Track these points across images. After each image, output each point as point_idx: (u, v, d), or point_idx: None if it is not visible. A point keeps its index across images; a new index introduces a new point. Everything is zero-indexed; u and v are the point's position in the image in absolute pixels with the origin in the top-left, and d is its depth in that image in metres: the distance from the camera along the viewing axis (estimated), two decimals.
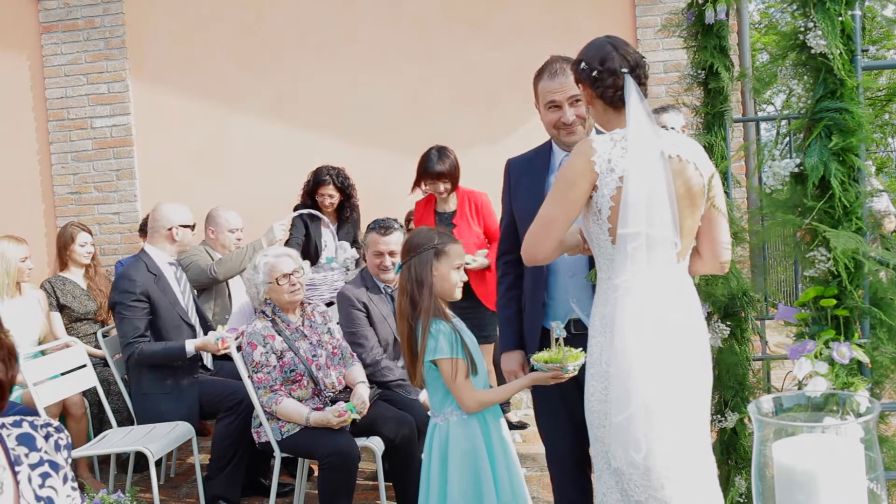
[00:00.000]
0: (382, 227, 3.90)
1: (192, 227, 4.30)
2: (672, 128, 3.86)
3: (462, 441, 2.55)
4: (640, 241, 2.06)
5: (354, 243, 5.18)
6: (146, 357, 3.95)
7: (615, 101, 2.16)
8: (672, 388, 2.08)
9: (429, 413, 2.74)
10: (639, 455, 2.08)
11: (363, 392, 3.62)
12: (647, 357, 2.06)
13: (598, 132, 2.62)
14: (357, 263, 4.99)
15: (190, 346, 3.93)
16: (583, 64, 2.20)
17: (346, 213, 5.14)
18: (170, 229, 4.19)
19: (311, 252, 5.07)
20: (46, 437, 1.43)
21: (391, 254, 3.88)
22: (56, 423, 1.50)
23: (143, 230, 5.39)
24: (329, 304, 4.37)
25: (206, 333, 4.20)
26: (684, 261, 2.21)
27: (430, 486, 2.59)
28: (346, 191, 5.08)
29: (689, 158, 2.14)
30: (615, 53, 2.15)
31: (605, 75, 2.15)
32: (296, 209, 5.24)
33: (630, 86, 2.13)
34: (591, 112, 2.29)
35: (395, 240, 3.90)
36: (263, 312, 3.68)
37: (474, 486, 2.51)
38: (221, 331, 3.93)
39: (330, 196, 5.04)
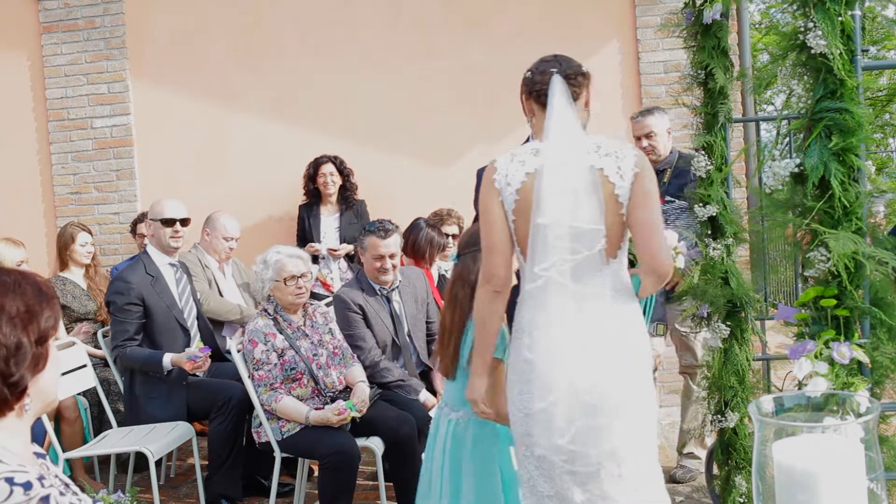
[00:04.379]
0: (381, 230, 3.88)
1: (176, 223, 4.16)
2: (652, 133, 3.93)
3: (490, 441, 2.56)
4: (561, 231, 2.09)
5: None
6: (128, 362, 3.94)
7: (542, 98, 2.23)
8: (594, 379, 2.10)
9: (440, 406, 2.72)
10: (563, 440, 2.12)
11: (363, 391, 3.62)
12: (567, 348, 2.09)
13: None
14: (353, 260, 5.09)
15: (167, 360, 3.87)
16: (527, 73, 2.31)
17: (348, 196, 5.31)
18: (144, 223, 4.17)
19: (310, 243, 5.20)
20: None
21: (391, 256, 3.88)
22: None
23: (134, 231, 5.39)
24: (329, 304, 4.37)
25: (205, 338, 4.20)
26: (614, 262, 2.18)
27: (442, 482, 2.58)
28: (344, 172, 5.29)
29: (600, 165, 2.13)
30: (553, 61, 2.26)
31: (536, 75, 2.25)
32: (300, 207, 5.32)
33: (556, 83, 2.19)
34: (532, 125, 2.34)
35: (395, 242, 3.91)
36: (265, 310, 3.68)
37: (493, 487, 2.51)
38: (194, 349, 3.86)
39: (331, 174, 5.24)
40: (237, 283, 4.89)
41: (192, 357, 3.79)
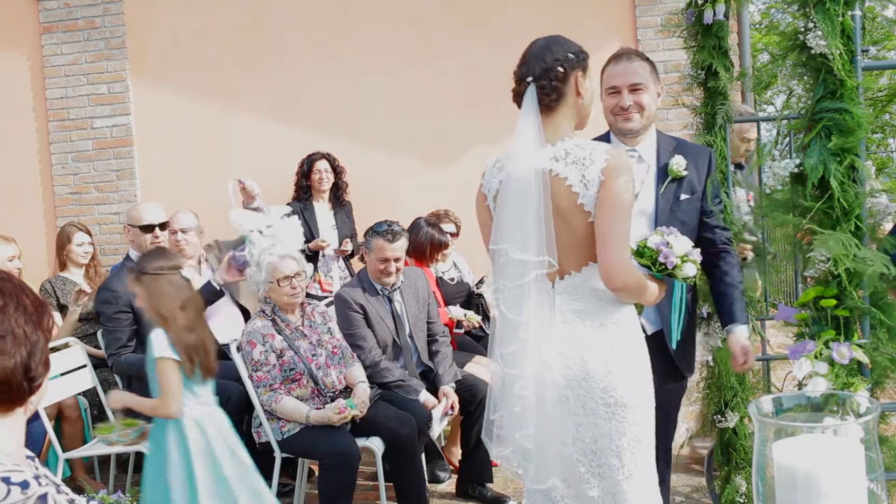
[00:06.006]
0: (390, 233, 3.87)
1: (155, 228, 4.10)
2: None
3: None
4: (508, 258, 2.10)
5: (353, 237, 5.25)
6: (124, 369, 3.93)
7: (520, 107, 2.20)
8: (548, 397, 2.09)
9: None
10: (505, 450, 2.14)
11: (364, 391, 3.62)
12: (518, 365, 2.10)
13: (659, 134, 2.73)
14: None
15: None
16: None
17: (340, 194, 5.34)
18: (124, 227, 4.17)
19: (308, 240, 5.17)
20: None
21: (396, 260, 3.89)
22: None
23: None
24: (329, 304, 4.38)
25: None
26: (583, 272, 2.16)
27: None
28: (336, 169, 5.32)
29: (564, 174, 2.09)
30: (529, 59, 2.17)
31: (515, 80, 2.20)
32: (289, 205, 5.32)
33: (528, 97, 2.15)
34: None
35: (401, 246, 3.93)
36: (263, 311, 3.69)
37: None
38: None
39: (326, 171, 5.26)
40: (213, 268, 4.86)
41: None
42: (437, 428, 3.83)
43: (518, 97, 2.19)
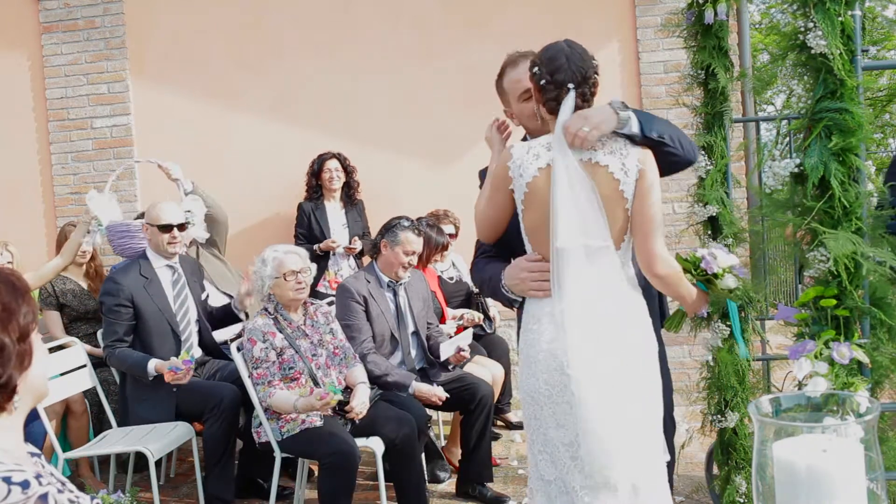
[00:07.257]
0: (416, 228, 4.04)
1: (174, 228, 4.07)
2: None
3: None
4: (578, 252, 2.14)
5: (364, 236, 5.27)
6: (117, 363, 3.95)
7: (555, 111, 2.22)
8: (610, 390, 2.12)
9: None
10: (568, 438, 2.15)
11: (363, 392, 3.62)
12: (588, 350, 2.12)
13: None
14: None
15: (151, 366, 3.83)
16: (536, 68, 2.25)
17: (351, 193, 5.38)
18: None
19: (319, 239, 5.24)
20: None
21: (415, 253, 4.03)
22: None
23: None
24: (331, 304, 4.38)
25: (204, 342, 4.18)
26: (618, 253, 2.20)
27: None
28: (347, 169, 5.38)
29: (605, 162, 2.16)
30: (567, 66, 2.19)
31: (551, 87, 2.21)
32: (299, 207, 5.32)
33: (569, 103, 2.19)
34: (537, 109, 2.30)
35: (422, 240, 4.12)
36: (265, 309, 3.69)
37: None
38: (177, 360, 3.79)
39: (336, 170, 5.31)
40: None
41: (173, 368, 3.72)
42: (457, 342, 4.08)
43: (553, 102, 2.21)
